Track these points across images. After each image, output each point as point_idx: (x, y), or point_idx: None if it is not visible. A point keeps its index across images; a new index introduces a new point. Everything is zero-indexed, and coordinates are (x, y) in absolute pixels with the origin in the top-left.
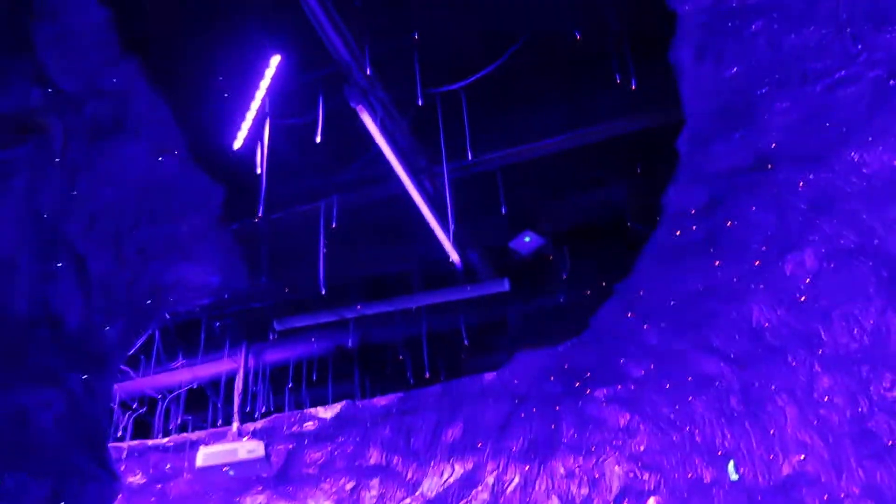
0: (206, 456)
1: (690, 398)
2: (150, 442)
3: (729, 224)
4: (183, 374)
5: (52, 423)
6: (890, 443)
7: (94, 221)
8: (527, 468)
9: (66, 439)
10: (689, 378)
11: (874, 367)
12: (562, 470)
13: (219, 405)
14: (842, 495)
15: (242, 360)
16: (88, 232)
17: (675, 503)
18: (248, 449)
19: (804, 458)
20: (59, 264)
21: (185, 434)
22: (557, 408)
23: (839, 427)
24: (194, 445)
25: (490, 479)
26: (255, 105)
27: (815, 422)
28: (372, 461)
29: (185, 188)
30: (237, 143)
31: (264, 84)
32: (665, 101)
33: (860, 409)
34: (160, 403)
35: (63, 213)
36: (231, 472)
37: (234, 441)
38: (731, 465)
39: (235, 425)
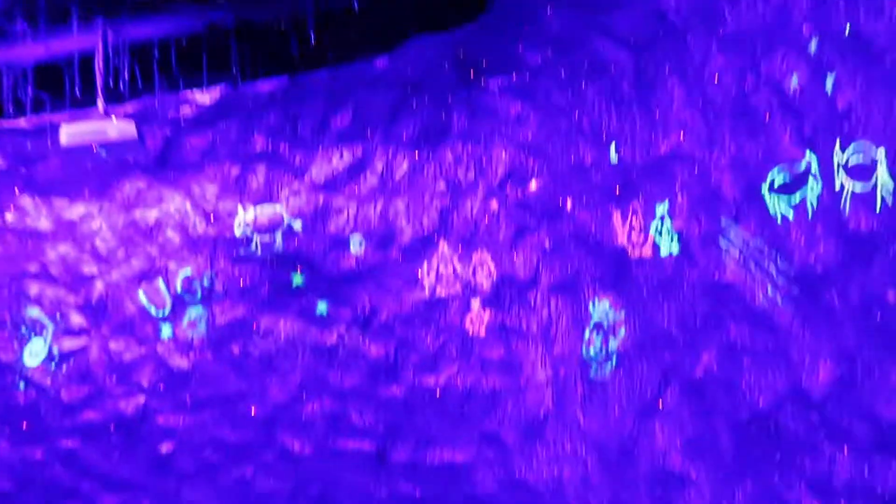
0: (70, 134)
1: (584, 85)
2: (3, 122)
3: None
4: (29, 48)
5: None
6: (766, 118)
7: None
8: (416, 155)
9: None
10: (586, 65)
11: (770, 44)
12: (450, 156)
13: (76, 85)
14: (711, 168)
15: (99, 31)
16: None
17: (556, 184)
18: (119, 129)
19: (682, 137)
20: None
21: (43, 115)
22: (449, 97)
23: (722, 105)
24: (56, 126)
25: (379, 165)
26: None
27: (700, 101)
28: (257, 148)
29: None
30: None
31: None
32: None
33: (745, 87)
34: (5, 79)
35: None
36: (104, 154)
37: (102, 119)
38: (612, 147)
39: (101, 104)
